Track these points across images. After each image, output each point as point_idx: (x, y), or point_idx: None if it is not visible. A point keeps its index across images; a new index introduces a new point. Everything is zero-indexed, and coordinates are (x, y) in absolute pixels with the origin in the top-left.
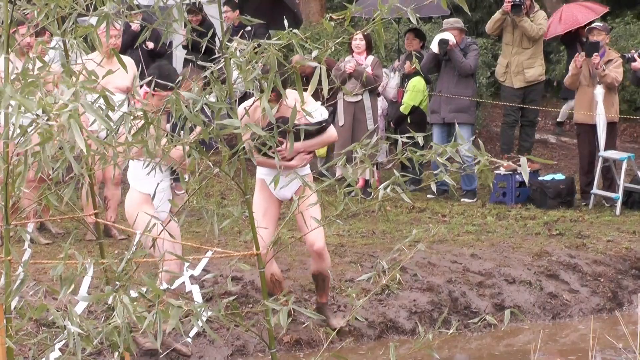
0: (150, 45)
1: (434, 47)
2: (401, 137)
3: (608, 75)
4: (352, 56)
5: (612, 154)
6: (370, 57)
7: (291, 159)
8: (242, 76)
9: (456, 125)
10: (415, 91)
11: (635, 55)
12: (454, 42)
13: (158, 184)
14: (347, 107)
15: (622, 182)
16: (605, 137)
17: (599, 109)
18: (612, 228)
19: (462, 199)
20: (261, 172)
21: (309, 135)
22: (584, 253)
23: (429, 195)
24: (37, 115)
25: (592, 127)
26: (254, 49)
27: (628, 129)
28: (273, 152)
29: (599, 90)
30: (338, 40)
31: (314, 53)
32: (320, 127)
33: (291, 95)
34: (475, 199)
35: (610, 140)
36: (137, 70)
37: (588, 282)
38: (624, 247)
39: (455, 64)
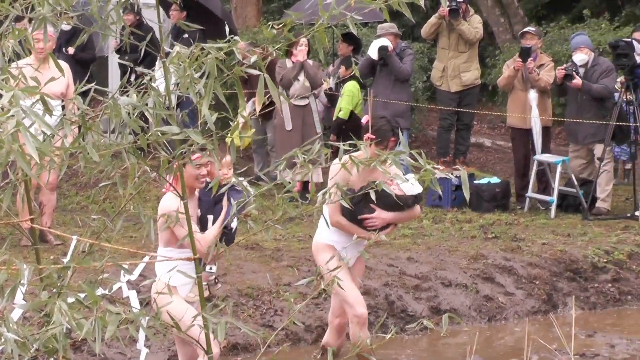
0: (71, 50)
1: (373, 53)
2: (343, 144)
3: (541, 79)
4: (293, 60)
5: (547, 158)
6: (310, 61)
7: (376, 231)
8: (180, 81)
9: (399, 132)
10: (351, 96)
11: (575, 73)
12: (391, 48)
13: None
14: (294, 110)
15: (556, 185)
16: (541, 140)
17: (534, 113)
18: (547, 231)
19: None
20: (330, 239)
21: (401, 207)
22: (519, 256)
23: None
24: None
25: (527, 131)
26: (194, 54)
27: (562, 133)
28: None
29: (533, 95)
30: (279, 46)
31: (253, 58)
32: (415, 200)
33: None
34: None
35: (545, 144)
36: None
37: (523, 285)
38: (559, 249)
39: (392, 70)
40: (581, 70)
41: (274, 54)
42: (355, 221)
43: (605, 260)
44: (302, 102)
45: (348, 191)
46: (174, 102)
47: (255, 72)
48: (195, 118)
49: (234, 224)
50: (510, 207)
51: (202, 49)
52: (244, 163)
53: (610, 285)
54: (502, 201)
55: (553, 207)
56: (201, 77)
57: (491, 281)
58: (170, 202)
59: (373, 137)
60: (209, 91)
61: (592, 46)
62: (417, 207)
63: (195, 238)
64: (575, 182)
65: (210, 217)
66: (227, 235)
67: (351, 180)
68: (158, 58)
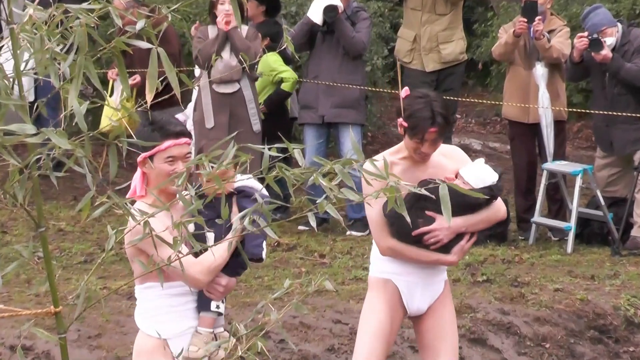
0: None
1: (316, 15)
2: (267, 148)
3: (553, 48)
4: (218, 27)
5: (561, 167)
6: (245, 27)
7: (447, 249)
8: (34, 58)
9: (351, 132)
10: (272, 72)
11: (604, 41)
12: (342, 8)
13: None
14: (218, 100)
15: (575, 205)
16: (552, 141)
17: (542, 99)
18: (562, 272)
19: (349, 232)
20: (385, 270)
21: (473, 206)
22: (522, 308)
23: (300, 227)
24: None
25: (531, 128)
26: (56, 18)
27: (583, 130)
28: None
29: (541, 71)
30: (179, 5)
31: (139, 25)
32: (492, 195)
33: (447, 150)
34: (367, 232)
35: (558, 147)
36: None
37: (528, 349)
38: (579, 298)
39: (342, 40)
40: None
41: (169, 18)
42: (410, 241)
43: None
44: (229, 89)
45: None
46: (26, 86)
47: (144, 44)
48: (58, 109)
49: (264, 252)
50: (509, 238)
51: (67, 11)
52: (126, 175)
53: None
54: (498, 229)
55: (570, 238)
56: (67, 51)
57: (482, 344)
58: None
59: (405, 123)
60: (78, 72)
61: (614, 20)
62: (499, 204)
63: (188, 263)
64: (602, 202)
65: (211, 235)
66: (238, 264)
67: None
68: (3, 25)
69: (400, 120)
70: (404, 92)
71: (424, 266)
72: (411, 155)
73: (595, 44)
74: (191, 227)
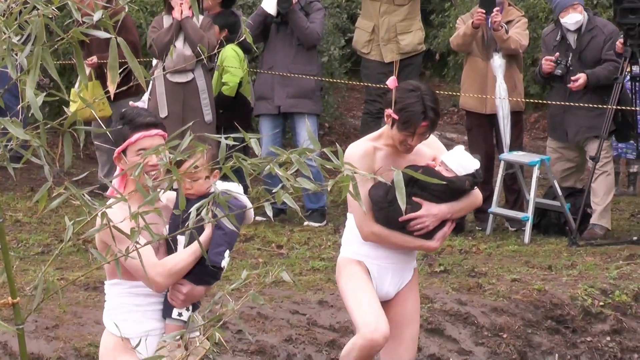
0: None
1: (269, 6)
2: (224, 138)
3: (511, 39)
4: (173, 16)
5: (519, 157)
6: (201, 17)
7: (430, 235)
8: None
9: (307, 122)
10: (237, 63)
11: (566, 65)
12: (296, 0)
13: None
14: (172, 90)
15: (532, 196)
16: (509, 131)
17: (499, 90)
18: (519, 262)
19: (306, 222)
20: (359, 252)
21: (458, 193)
22: (480, 298)
23: (258, 218)
24: None
25: (489, 119)
26: (14, 10)
27: (541, 120)
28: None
29: (498, 61)
30: None
31: (97, 15)
32: (475, 182)
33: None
34: (325, 222)
35: (516, 137)
36: None
37: (485, 339)
38: (536, 288)
39: (296, 31)
40: (572, 38)
41: (127, 9)
42: (396, 226)
43: (601, 304)
44: (182, 78)
45: (375, 186)
46: None
47: (103, 34)
48: (16, 99)
49: (224, 261)
50: (466, 228)
51: (25, 2)
52: (83, 166)
53: (608, 339)
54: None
55: (527, 228)
56: (24, 42)
57: (439, 334)
58: (111, 212)
59: (395, 116)
60: (35, 63)
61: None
62: (477, 191)
63: (149, 263)
64: (560, 192)
65: (181, 239)
66: (204, 271)
67: (377, 170)
68: None
69: (389, 111)
70: (392, 82)
71: (397, 252)
72: (395, 145)
73: (558, 78)
74: (165, 231)
